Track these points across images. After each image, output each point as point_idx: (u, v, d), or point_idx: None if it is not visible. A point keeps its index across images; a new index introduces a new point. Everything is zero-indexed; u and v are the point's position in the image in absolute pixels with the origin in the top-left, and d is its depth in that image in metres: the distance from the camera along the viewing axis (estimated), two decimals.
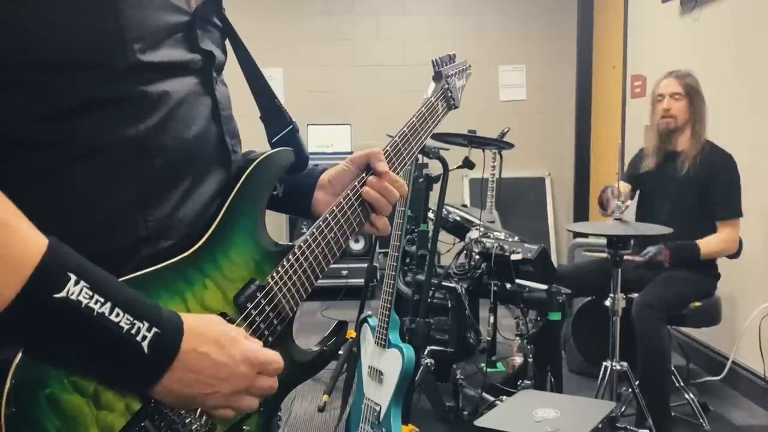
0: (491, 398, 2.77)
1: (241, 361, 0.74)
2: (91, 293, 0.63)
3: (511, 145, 3.40)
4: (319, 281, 0.93)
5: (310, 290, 0.91)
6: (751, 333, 3.16)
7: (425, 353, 2.81)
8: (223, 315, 0.80)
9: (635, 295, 2.81)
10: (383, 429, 2.13)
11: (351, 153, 1.63)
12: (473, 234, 3.04)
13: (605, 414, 2.05)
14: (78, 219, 0.72)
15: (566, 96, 5.76)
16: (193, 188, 0.82)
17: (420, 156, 3.01)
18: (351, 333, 2.85)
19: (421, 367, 2.74)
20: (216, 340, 0.72)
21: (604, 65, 5.39)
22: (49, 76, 0.69)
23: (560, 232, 5.73)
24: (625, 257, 2.58)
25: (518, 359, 2.79)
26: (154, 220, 0.77)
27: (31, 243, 0.61)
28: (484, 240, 2.93)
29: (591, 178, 5.70)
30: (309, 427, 2.96)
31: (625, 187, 3.10)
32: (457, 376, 2.97)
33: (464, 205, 4.12)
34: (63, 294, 0.61)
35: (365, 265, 3.63)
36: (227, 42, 0.93)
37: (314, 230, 0.93)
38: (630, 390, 2.66)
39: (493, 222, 3.94)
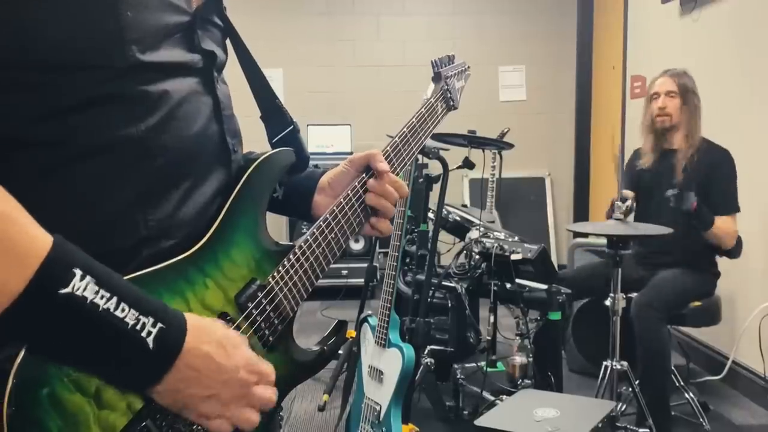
0: (491, 398, 2.78)
1: (242, 367, 0.73)
2: (96, 288, 0.63)
3: (510, 146, 3.40)
4: (319, 281, 0.93)
5: (310, 290, 0.91)
6: (751, 332, 3.16)
7: (425, 353, 2.82)
8: (224, 314, 0.80)
9: (635, 294, 2.82)
10: (383, 428, 2.13)
11: (351, 153, 1.63)
12: (473, 234, 3.04)
13: (605, 413, 2.06)
14: (78, 219, 0.72)
15: (566, 96, 5.75)
16: (194, 188, 0.82)
17: (420, 156, 3.01)
18: (351, 332, 2.85)
19: (421, 367, 2.75)
20: (219, 342, 0.72)
21: (604, 66, 5.39)
22: (49, 76, 0.69)
23: (560, 232, 5.73)
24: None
25: (518, 359, 2.79)
26: (155, 219, 0.77)
27: (37, 239, 0.61)
28: (484, 240, 2.93)
29: (591, 178, 5.70)
30: (309, 427, 2.97)
31: (628, 193, 3.10)
32: (457, 376, 2.97)
33: (464, 205, 4.13)
34: (68, 289, 0.61)
35: (365, 264, 3.64)
36: (228, 42, 0.93)
37: (315, 230, 0.93)
38: (630, 389, 2.66)
39: (493, 222, 3.94)
